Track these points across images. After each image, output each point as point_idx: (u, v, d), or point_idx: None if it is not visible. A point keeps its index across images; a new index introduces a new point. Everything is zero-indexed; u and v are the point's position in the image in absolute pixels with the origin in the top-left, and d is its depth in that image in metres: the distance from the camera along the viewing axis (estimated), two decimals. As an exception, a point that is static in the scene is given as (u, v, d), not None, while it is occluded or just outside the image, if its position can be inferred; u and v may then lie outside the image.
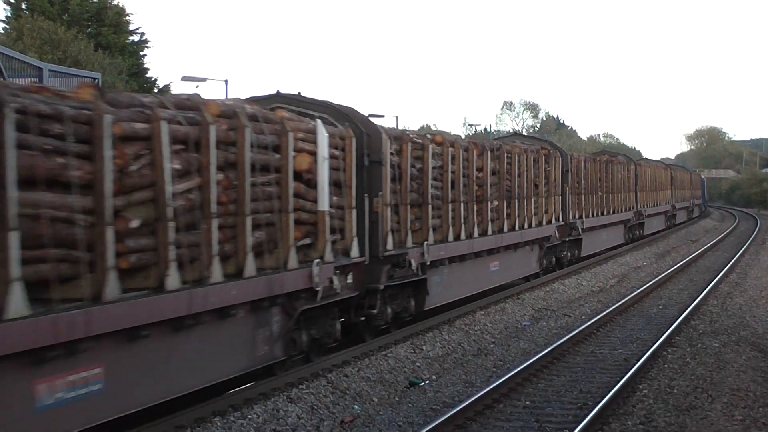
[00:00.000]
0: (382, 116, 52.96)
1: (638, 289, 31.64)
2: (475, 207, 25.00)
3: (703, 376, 17.87)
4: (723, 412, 15.19)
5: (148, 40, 58.86)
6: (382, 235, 19.07)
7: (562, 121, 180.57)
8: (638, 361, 18.81)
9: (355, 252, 18.17)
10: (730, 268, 39.41)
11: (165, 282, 12.26)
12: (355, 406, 15.72)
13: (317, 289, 16.29)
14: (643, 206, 55.85)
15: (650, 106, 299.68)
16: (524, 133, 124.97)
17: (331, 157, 16.81)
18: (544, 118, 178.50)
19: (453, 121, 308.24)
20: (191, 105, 13.15)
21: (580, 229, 38.60)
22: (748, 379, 17.84)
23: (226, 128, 13.64)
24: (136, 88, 52.66)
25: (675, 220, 72.93)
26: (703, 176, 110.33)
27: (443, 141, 22.82)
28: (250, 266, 14.27)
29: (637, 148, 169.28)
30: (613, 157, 49.46)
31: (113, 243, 11.17)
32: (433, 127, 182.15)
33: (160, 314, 12.16)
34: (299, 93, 18.82)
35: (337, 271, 17.19)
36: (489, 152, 25.86)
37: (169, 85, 58.24)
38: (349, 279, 17.94)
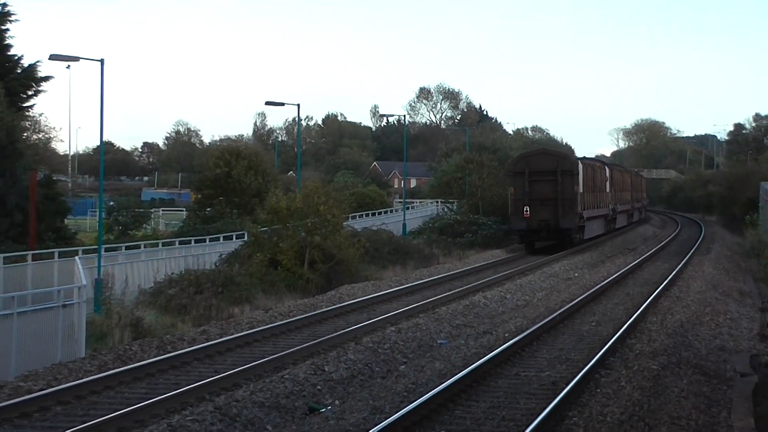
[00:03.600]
0: (282, 104, 52.61)
1: (569, 303, 32.05)
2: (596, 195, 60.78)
3: (640, 402, 18.13)
4: (661, 443, 15.42)
5: (12, 12, 57.20)
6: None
7: (485, 112, 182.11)
8: (568, 384, 19.04)
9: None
10: (671, 281, 40.20)
11: None
12: (247, 436, 15.60)
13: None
14: (582, 209, 58.67)
15: (583, 98, 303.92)
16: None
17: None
18: (465, 109, 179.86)
19: (361, 110, 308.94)
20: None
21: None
22: (690, 405, 18.16)
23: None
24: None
25: (615, 224, 75.45)
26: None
27: (591, 164, 60.96)
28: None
29: (569, 144, 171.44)
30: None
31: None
32: (339, 118, 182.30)
33: None
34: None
35: None
36: (598, 169, 63.12)
37: (35, 64, 56.81)
38: None
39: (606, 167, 71.10)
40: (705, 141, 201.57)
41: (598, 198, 64.61)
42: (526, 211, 55.66)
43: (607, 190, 69.18)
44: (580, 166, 58.51)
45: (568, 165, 57.08)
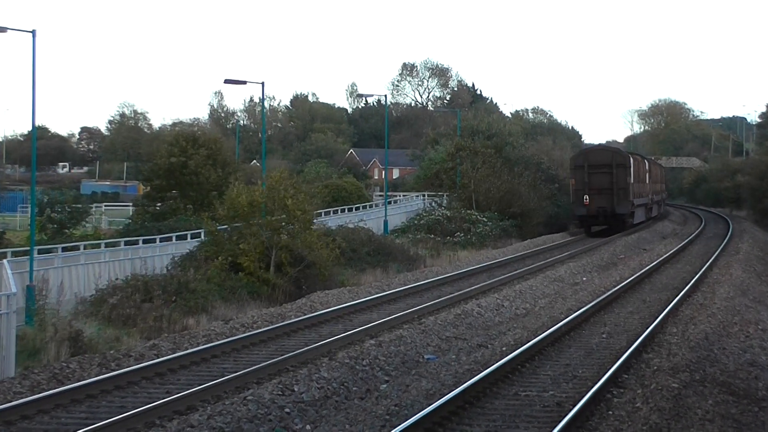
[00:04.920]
0: (243, 82, 52.58)
1: (576, 312, 32.11)
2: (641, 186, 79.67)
3: (658, 426, 18.16)
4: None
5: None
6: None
7: (479, 92, 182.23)
8: (575, 406, 19.09)
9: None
10: (694, 286, 40.33)
11: None
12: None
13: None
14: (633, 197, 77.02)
15: (592, 75, 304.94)
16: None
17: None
18: (456, 88, 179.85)
19: (336, 89, 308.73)
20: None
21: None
22: (716, 430, 18.21)
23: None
24: None
25: (651, 213, 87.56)
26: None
27: (638, 158, 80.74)
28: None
29: (575, 128, 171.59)
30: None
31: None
32: (310, 98, 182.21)
33: None
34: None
35: None
36: (641, 162, 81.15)
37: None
38: None
39: (645, 161, 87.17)
40: (733, 124, 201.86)
41: (642, 188, 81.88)
42: (586, 199, 73.19)
43: (647, 181, 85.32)
44: (631, 159, 76.02)
45: (621, 159, 74.85)
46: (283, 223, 42.03)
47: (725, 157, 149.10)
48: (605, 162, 73.60)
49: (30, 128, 74.45)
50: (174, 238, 47.64)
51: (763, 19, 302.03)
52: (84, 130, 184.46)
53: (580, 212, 74.19)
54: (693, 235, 73.21)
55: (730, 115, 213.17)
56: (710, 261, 50.98)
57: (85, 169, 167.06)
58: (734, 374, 23.40)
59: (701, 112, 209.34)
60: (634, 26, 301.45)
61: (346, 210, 72.78)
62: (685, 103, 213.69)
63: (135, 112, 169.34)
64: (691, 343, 26.74)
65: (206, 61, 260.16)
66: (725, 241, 66.43)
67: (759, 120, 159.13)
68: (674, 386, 21.33)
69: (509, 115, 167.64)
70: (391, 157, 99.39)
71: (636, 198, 77.39)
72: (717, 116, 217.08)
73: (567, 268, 47.48)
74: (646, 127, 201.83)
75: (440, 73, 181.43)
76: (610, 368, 22.80)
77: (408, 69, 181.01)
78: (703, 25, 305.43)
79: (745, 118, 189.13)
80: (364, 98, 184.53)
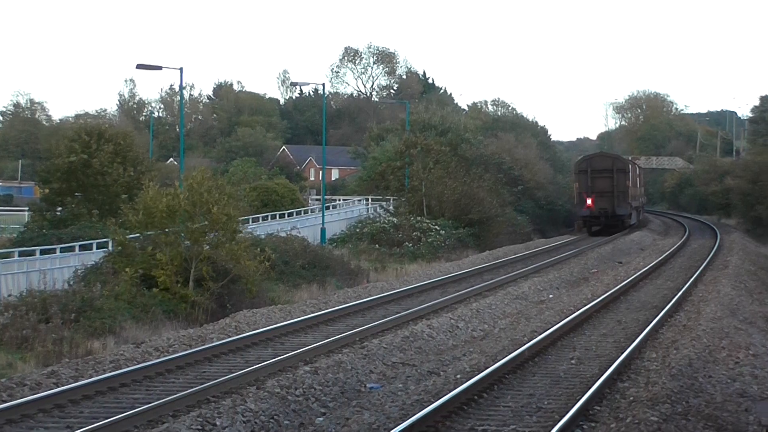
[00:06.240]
0: (159, 68, 52.55)
1: (541, 334, 32.23)
2: (636, 189, 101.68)
3: (634, 465, 18.28)
4: None
5: None
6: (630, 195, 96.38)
7: (430, 81, 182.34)
8: (540, 442, 19.17)
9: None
10: (676, 305, 40.64)
11: None
12: None
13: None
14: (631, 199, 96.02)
15: (561, 64, 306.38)
16: None
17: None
18: (404, 76, 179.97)
19: (266, 77, 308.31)
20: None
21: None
22: (699, 468, 18.33)
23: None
24: None
25: (631, 219, 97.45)
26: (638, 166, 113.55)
27: (630, 160, 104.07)
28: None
29: (542, 123, 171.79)
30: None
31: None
32: (236, 87, 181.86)
33: None
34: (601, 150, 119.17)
35: None
36: (634, 167, 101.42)
37: None
38: None
39: (636, 166, 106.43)
40: (721, 119, 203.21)
41: (635, 192, 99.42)
42: (589, 201, 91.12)
43: (638, 185, 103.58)
44: (630, 165, 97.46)
45: (622, 164, 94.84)
46: (205, 231, 41.88)
47: (713, 157, 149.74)
48: (607, 167, 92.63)
49: None
50: (77, 248, 47.38)
51: (755, 3, 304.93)
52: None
53: (583, 213, 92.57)
54: (675, 246, 73.72)
55: (719, 109, 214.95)
56: (695, 276, 51.35)
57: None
58: (722, 406, 23.53)
59: (685, 106, 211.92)
60: (611, 10, 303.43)
61: (278, 216, 72.77)
62: (668, 96, 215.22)
63: (32, 102, 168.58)
64: (672, 371, 26.88)
65: (116, 45, 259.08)
66: (712, 253, 66.91)
67: (751, 114, 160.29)
68: (653, 419, 21.43)
69: (466, 108, 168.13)
70: (329, 155, 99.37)
71: (633, 200, 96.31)
72: (703, 110, 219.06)
73: (531, 284, 47.69)
74: (623, 122, 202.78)
75: (386, 58, 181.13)
76: (579, 399, 22.92)
77: (350, 54, 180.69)
78: (688, 10, 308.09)
79: (735, 113, 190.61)
80: (298, 87, 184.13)
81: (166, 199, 41.78)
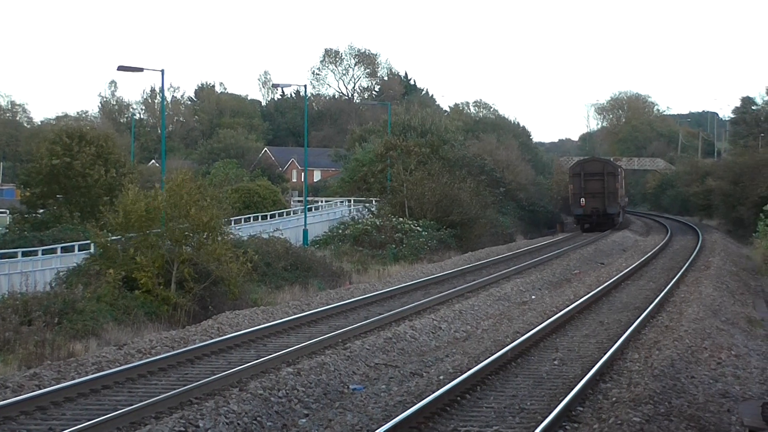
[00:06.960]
0: (140, 70, 52.59)
1: (523, 335, 32.25)
2: (623, 191, 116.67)
3: (617, 465, 18.30)
4: None
5: None
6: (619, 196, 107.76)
7: (412, 82, 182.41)
8: (523, 442, 19.19)
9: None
10: (658, 306, 40.71)
11: None
12: None
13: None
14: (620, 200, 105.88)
15: (543, 66, 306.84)
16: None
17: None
18: (386, 77, 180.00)
19: (247, 78, 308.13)
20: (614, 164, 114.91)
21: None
22: (682, 468, 18.35)
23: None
24: None
25: (620, 218, 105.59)
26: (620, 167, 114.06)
27: (623, 167, 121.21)
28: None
29: (523, 125, 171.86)
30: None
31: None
32: (218, 89, 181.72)
33: None
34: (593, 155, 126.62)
35: None
36: (622, 170, 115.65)
37: None
38: None
39: (621, 168, 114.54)
40: (703, 120, 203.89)
41: (622, 193, 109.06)
42: (582, 201, 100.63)
43: (623, 187, 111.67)
44: (619, 169, 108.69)
45: (611, 168, 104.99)
46: (187, 233, 41.83)
47: (694, 158, 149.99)
48: (598, 171, 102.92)
49: None
50: (59, 250, 47.31)
51: (736, 4, 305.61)
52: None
53: (577, 212, 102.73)
54: (657, 247, 73.84)
55: (700, 110, 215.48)
56: (677, 277, 51.43)
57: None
58: (704, 407, 23.60)
59: (667, 107, 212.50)
60: (593, 12, 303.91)
61: (260, 218, 72.68)
62: (649, 97, 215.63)
63: (12, 103, 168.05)
64: (655, 371, 26.92)
65: (97, 46, 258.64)
66: (694, 254, 67.02)
67: (732, 115, 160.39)
68: (636, 420, 21.46)
69: (447, 110, 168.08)
70: (311, 156, 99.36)
71: (622, 201, 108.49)
72: (685, 111, 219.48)
73: (514, 285, 47.72)
74: (605, 123, 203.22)
75: (367, 60, 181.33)
76: (562, 400, 22.96)
77: (331, 56, 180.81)
78: (670, 12, 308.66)
79: (717, 114, 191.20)
80: (279, 89, 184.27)
81: (145, 201, 41.75)
